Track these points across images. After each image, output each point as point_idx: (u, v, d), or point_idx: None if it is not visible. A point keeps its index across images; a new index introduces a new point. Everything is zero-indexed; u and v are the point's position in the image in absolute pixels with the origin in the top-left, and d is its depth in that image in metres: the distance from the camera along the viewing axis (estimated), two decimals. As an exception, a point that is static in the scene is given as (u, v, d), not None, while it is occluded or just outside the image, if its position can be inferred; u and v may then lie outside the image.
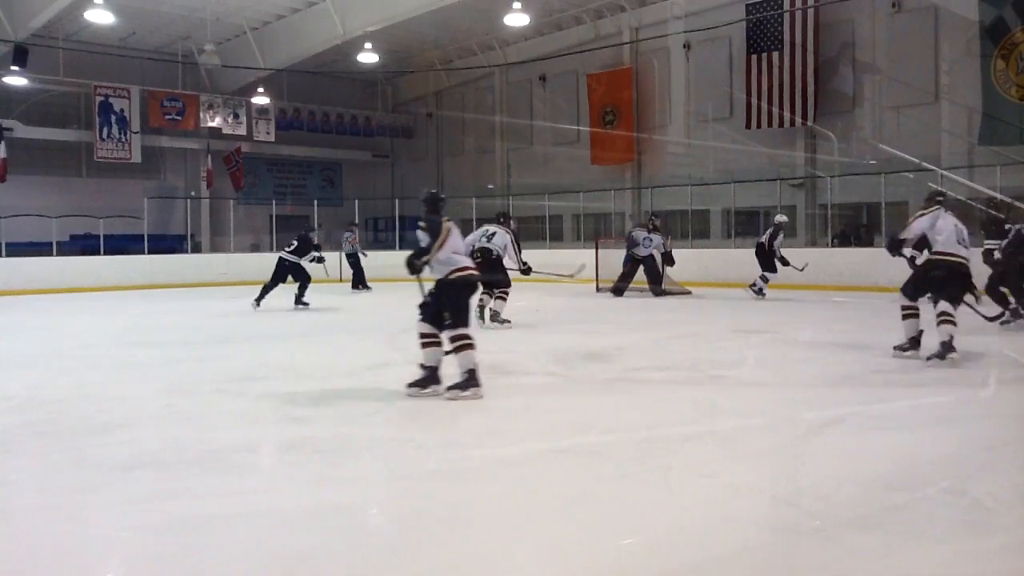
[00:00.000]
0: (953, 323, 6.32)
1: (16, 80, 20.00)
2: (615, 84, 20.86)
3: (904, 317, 6.61)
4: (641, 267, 13.48)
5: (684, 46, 19.29)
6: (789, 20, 17.14)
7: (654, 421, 4.58)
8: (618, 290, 13.68)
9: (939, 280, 6.52)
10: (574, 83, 22.15)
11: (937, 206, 6.75)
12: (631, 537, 2.83)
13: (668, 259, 13.57)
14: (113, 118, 21.51)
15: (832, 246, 16.02)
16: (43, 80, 20.63)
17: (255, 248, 22.28)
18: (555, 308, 11.71)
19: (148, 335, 9.19)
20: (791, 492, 3.28)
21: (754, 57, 17.76)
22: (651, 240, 13.33)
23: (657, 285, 13.44)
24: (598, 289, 14.37)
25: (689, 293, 13.69)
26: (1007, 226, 8.65)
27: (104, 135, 21.39)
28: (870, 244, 16.07)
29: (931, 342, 6.29)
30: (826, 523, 2.90)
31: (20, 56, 18.28)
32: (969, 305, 6.72)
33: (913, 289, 6.67)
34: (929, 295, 6.58)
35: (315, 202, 21.89)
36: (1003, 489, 3.31)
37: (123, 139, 21.69)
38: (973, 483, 3.35)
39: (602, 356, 6.96)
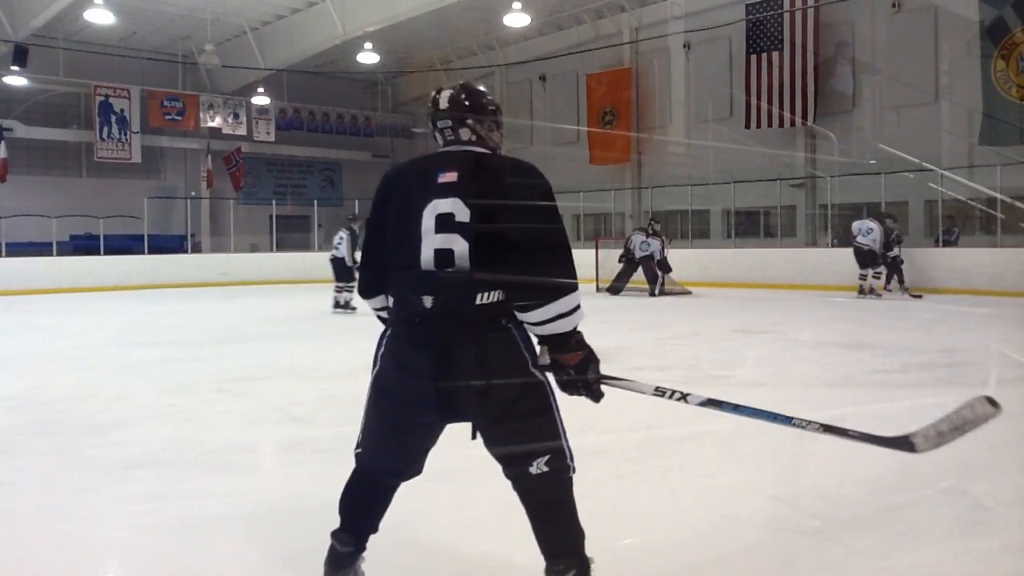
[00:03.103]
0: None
1: (16, 80, 19.97)
2: (615, 84, 20.83)
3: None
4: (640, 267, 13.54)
5: (684, 46, 19.26)
6: (789, 20, 17.12)
7: (654, 421, 4.58)
8: (615, 289, 13.75)
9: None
10: (574, 83, 22.12)
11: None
12: (631, 537, 2.83)
13: (664, 266, 13.60)
14: (113, 118, 21.46)
15: (832, 246, 16.00)
16: (43, 80, 20.60)
17: (255, 248, 22.23)
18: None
19: (148, 335, 9.19)
20: (791, 492, 3.28)
21: (754, 57, 17.74)
22: (648, 244, 13.36)
23: (652, 286, 13.48)
24: (598, 289, 14.38)
25: (689, 293, 13.70)
26: None
27: (104, 135, 21.35)
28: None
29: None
30: (826, 523, 2.90)
31: (20, 56, 18.26)
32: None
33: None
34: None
35: (315, 202, 21.87)
36: (1003, 489, 3.31)
37: (123, 139, 21.65)
38: (973, 483, 3.35)
39: (602, 356, 6.93)
